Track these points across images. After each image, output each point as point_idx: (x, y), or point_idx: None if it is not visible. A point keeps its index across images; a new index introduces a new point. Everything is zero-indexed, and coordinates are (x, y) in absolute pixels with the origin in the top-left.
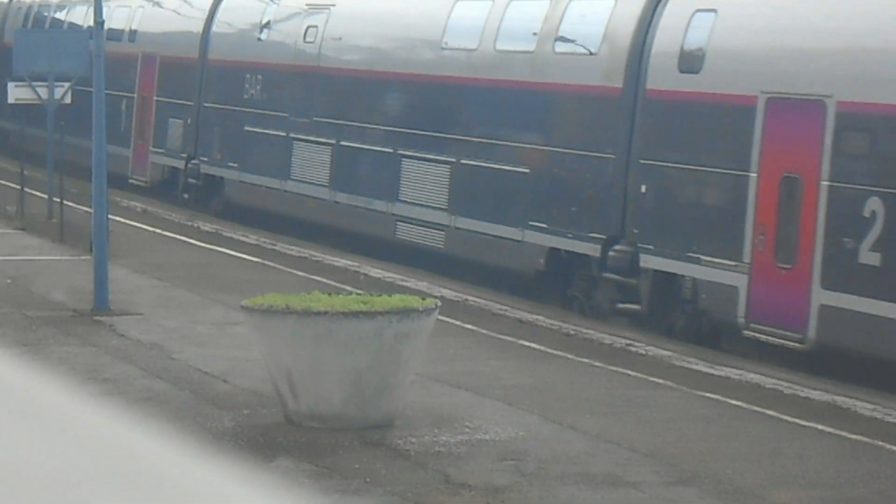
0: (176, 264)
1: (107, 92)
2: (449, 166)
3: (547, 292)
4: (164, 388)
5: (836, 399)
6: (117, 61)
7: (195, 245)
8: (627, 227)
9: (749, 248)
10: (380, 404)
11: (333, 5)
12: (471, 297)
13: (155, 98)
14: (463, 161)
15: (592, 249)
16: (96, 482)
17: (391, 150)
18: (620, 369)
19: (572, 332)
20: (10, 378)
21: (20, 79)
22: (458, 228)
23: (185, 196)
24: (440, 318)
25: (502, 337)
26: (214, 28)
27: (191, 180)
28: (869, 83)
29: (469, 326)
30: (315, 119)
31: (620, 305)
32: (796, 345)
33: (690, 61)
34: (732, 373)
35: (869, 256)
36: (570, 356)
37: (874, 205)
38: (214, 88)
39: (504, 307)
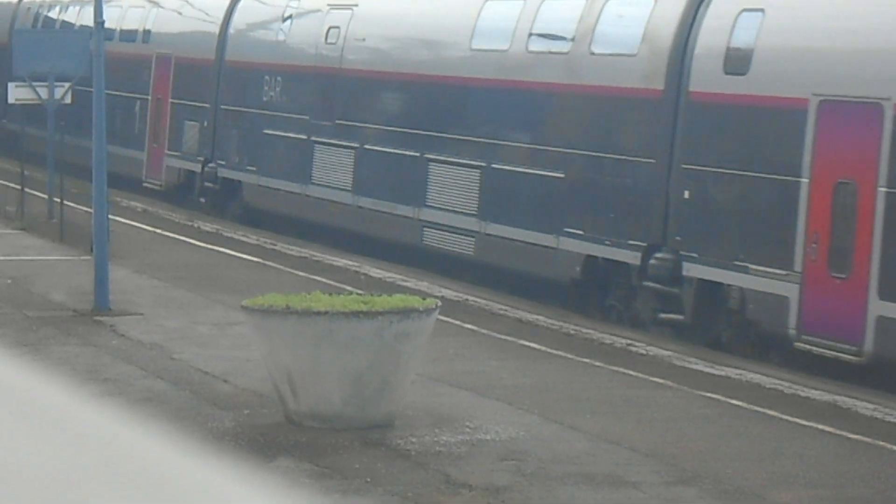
0: (176, 264)
1: (120, 94)
2: (479, 171)
3: (583, 301)
4: (164, 388)
5: (836, 399)
6: (131, 62)
7: (195, 245)
8: (669, 234)
9: (800, 256)
10: (380, 404)
11: (356, 5)
12: (471, 297)
13: (170, 100)
14: (494, 165)
15: (632, 257)
16: (97, 482)
17: (418, 154)
18: (621, 369)
19: (573, 332)
20: (10, 378)
21: (21, 79)
22: (488, 235)
23: (202, 200)
24: (440, 317)
25: (503, 337)
26: (232, 29)
27: (207, 184)
28: None
29: (469, 326)
30: (338, 122)
31: (662, 315)
32: (852, 358)
33: (737, 62)
34: (733, 373)
35: None
36: (570, 356)
37: None
38: (232, 90)
39: (504, 307)
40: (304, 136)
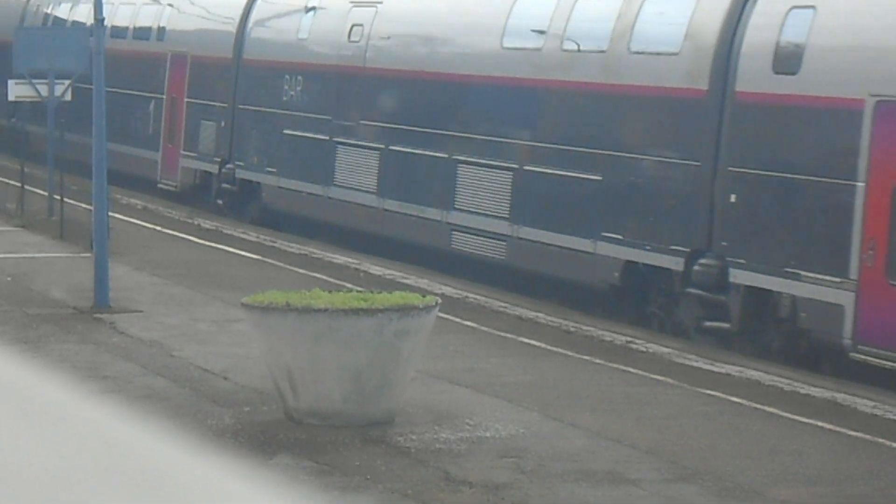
0: (176, 261)
1: (134, 93)
2: (511, 173)
3: (622, 308)
4: (164, 385)
5: (836, 396)
6: (145, 61)
7: (195, 242)
8: (715, 239)
9: (856, 263)
10: (380, 401)
11: (380, 2)
12: (471, 294)
13: (185, 99)
14: (527, 167)
15: (675, 263)
16: (96, 479)
17: (446, 156)
18: (621, 366)
19: (573, 330)
20: (10, 375)
21: (21, 76)
22: (520, 239)
23: (219, 202)
24: (440, 315)
25: (503, 334)
26: (250, 27)
27: (225, 185)
28: None
29: (469, 323)
30: (361, 122)
31: (707, 324)
32: None
33: (786, 62)
34: (733, 370)
35: None
36: (570, 353)
37: None
38: (250, 90)
39: (504, 304)
40: (326, 137)
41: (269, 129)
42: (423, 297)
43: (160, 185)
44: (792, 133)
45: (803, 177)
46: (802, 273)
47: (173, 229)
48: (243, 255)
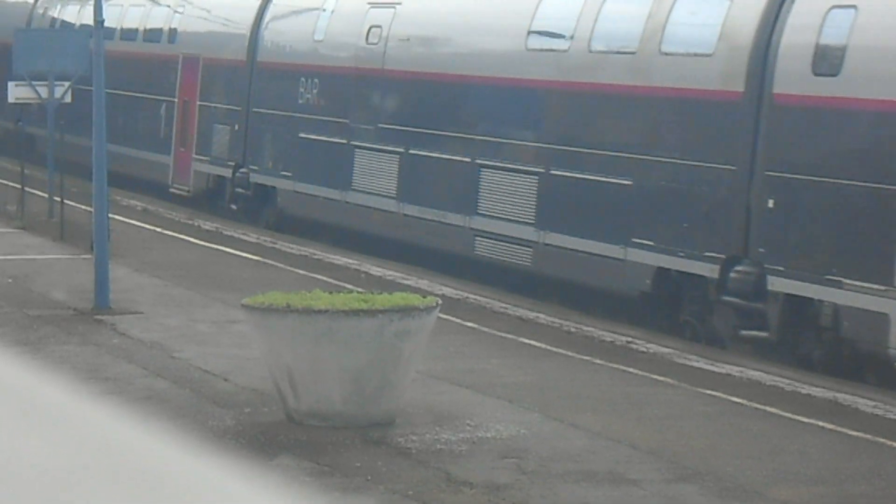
0: (176, 263)
1: (144, 96)
2: (536, 177)
3: (653, 316)
4: (164, 386)
5: (837, 396)
6: (155, 63)
7: (196, 244)
8: (751, 245)
9: None
10: (381, 402)
11: (399, 3)
12: (471, 295)
13: (198, 102)
14: (553, 171)
15: (710, 270)
16: (97, 481)
17: (468, 160)
18: (621, 367)
19: (573, 330)
20: (10, 377)
21: (21, 78)
22: (547, 245)
23: (233, 207)
24: (441, 315)
25: (503, 335)
26: (264, 28)
27: (239, 190)
28: None
29: (470, 324)
30: (380, 126)
31: (745, 332)
32: None
33: (827, 63)
34: (733, 370)
35: None
36: (571, 354)
37: None
38: (265, 92)
39: (505, 305)
40: (343, 141)
41: (285, 133)
42: (424, 297)
43: (172, 190)
44: (832, 136)
45: (845, 181)
46: (845, 281)
47: (173, 231)
48: (243, 257)
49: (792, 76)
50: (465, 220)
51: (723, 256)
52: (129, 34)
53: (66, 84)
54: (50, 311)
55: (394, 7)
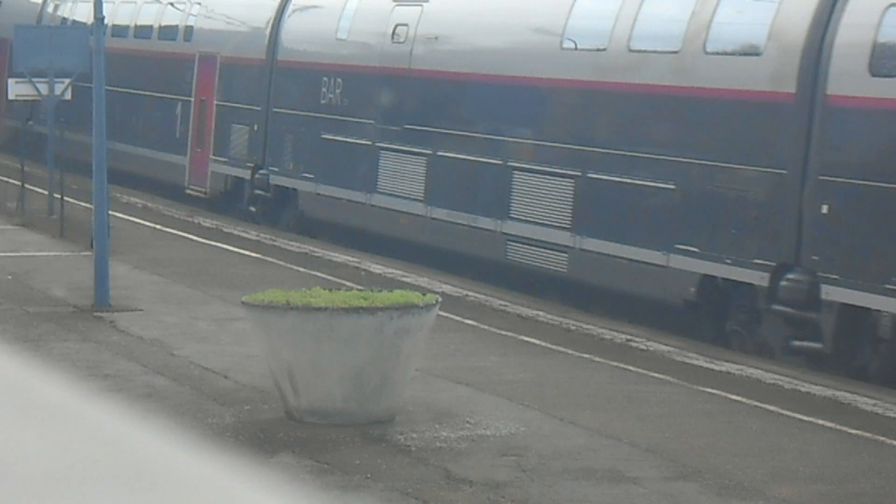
0: (176, 260)
1: (160, 95)
2: (573, 180)
3: (699, 325)
4: (164, 384)
5: (836, 394)
6: (171, 62)
7: (196, 241)
8: (804, 252)
9: None
10: (380, 400)
11: (427, 1)
12: (471, 293)
13: (215, 102)
14: (590, 174)
15: (759, 278)
16: (97, 478)
17: (500, 162)
18: (621, 365)
19: (573, 328)
20: (10, 374)
21: (20, 75)
22: (584, 250)
23: (252, 209)
24: (441, 313)
25: (503, 332)
26: (285, 26)
27: (258, 192)
28: None
29: (470, 322)
30: (406, 127)
31: (797, 343)
32: None
33: (885, 64)
34: (733, 368)
35: None
36: (570, 352)
37: None
38: (286, 92)
39: (504, 303)
40: (368, 142)
41: (306, 134)
42: (424, 295)
43: (188, 192)
44: (891, 139)
45: None
46: None
47: (173, 228)
48: (243, 254)
49: (847, 77)
50: (496, 225)
51: (773, 264)
52: (143, 32)
53: (67, 81)
54: (50, 308)
55: (421, 5)
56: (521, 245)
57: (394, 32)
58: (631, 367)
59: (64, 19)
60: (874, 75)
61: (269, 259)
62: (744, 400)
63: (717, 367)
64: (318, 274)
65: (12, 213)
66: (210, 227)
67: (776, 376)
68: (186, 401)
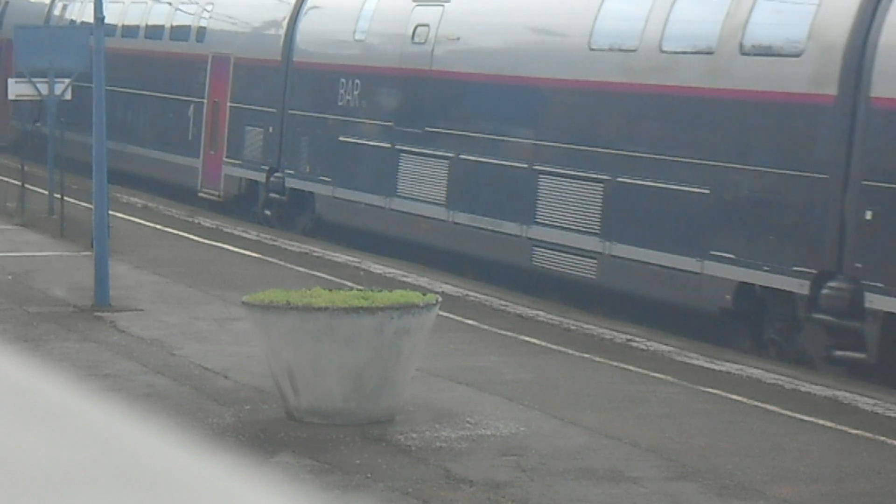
0: (177, 260)
1: (171, 97)
2: (602, 184)
3: (734, 334)
4: (164, 384)
5: (837, 394)
6: (183, 63)
7: (196, 241)
8: (846, 260)
9: None
10: (380, 400)
11: (448, 1)
12: (471, 293)
13: (228, 104)
14: (620, 179)
15: (799, 286)
16: (97, 478)
17: (525, 166)
18: (621, 364)
19: (573, 328)
20: (10, 374)
21: (21, 75)
22: (613, 256)
23: (267, 213)
24: (441, 313)
25: (503, 332)
26: (301, 26)
27: (273, 195)
28: None
29: (470, 322)
30: (427, 129)
31: (839, 353)
32: None
33: None
34: (733, 368)
35: None
36: (570, 351)
37: None
38: (302, 94)
39: (505, 303)
40: (387, 145)
41: (323, 136)
42: (424, 295)
43: (201, 195)
44: None
45: None
46: None
47: (174, 228)
48: (244, 254)
49: (892, 78)
50: (521, 230)
51: (814, 271)
52: (154, 32)
53: (67, 81)
54: (50, 307)
55: (442, 5)
56: (547, 250)
57: (414, 33)
58: (631, 367)
59: (72, 21)
60: None
61: (270, 259)
62: (744, 400)
63: (717, 367)
64: (319, 274)
65: (13, 213)
66: (210, 227)
67: (776, 376)
68: (187, 401)
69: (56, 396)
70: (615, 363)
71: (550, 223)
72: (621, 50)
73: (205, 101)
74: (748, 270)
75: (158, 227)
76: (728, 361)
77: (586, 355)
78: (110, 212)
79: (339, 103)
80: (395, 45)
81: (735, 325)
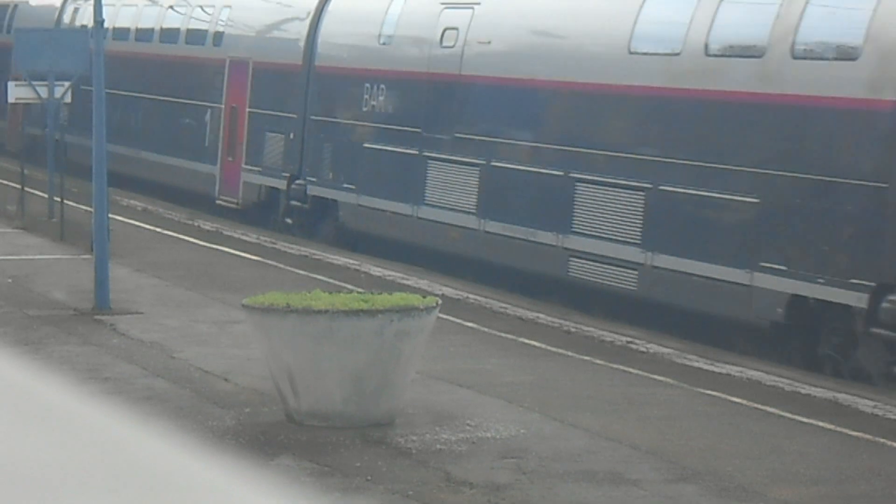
0: (176, 263)
1: (187, 102)
2: (643, 193)
3: (787, 348)
4: (164, 386)
5: (837, 396)
6: (199, 67)
7: (196, 244)
8: None
9: None
10: (380, 402)
11: (478, 4)
12: (471, 295)
13: (247, 109)
14: (662, 187)
15: (856, 299)
16: (97, 481)
17: (561, 173)
18: (621, 367)
19: (573, 330)
20: (10, 377)
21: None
22: (655, 267)
23: (288, 221)
24: (441, 315)
25: (503, 335)
26: (323, 30)
27: (294, 203)
28: None
29: (470, 324)
30: (457, 135)
31: None
32: None
33: None
34: (733, 370)
35: None
36: (571, 354)
37: None
38: (324, 99)
39: (505, 305)
40: (415, 151)
41: (347, 142)
42: (424, 297)
43: (219, 202)
44: None
45: None
46: None
47: (173, 231)
48: (244, 257)
49: None
50: (557, 239)
51: (873, 284)
52: (169, 36)
53: (67, 84)
54: (50, 311)
55: (472, 7)
56: (584, 261)
57: (442, 36)
58: (632, 370)
59: (83, 25)
60: None
61: (269, 262)
62: (744, 402)
63: (717, 370)
64: (318, 276)
65: (12, 217)
66: (210, 230)
67: (776, 378)
68: (187, 403)
69: (56, 399)
70: (615, 365)
71: (588, 233)
72: (663, 54)
73: (222, 106)
74: (802, 283)
75: (158, 230)
76: (728, 364)
77: (586, 358)
78: (110, 215)
79: (364, 109)
80: (422, 49)
81: (787, 339)
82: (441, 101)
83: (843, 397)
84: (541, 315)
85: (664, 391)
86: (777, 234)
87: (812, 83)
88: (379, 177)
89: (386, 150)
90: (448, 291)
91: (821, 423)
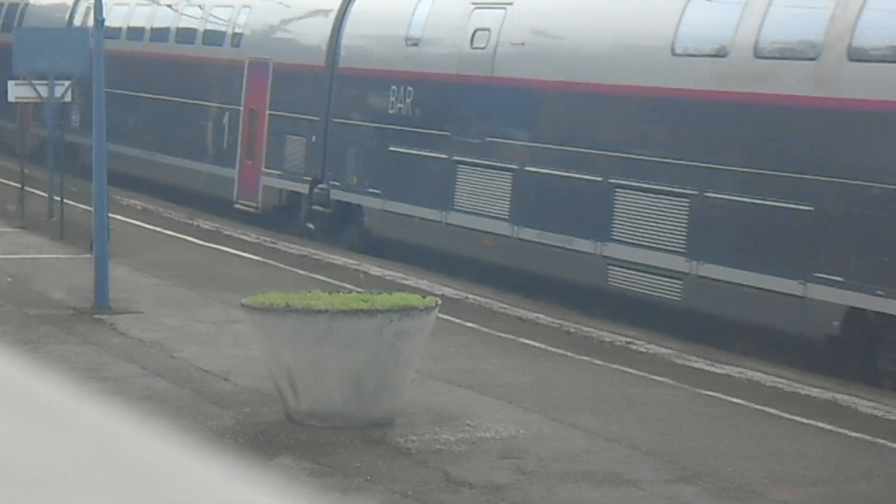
0: (176, 262)
1: (205, 104)
2: (688, 199)
3: (843, 362)
4: (164, 386)
5: (836, 397)
6: (217, 69)
7: (196, 243)
8: None
9: None
10: (380, 402)
11: (510, 4)
12: (471, 295)
13: (267, 112)
14: (709, 194)
15: None
16: (96, 480)
17: (600, 179)
18: (621, 367)
19: (573, 331)
20: (10, 376)
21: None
22: (701, 277)
23: (310, 226)
24: (441, 315)
25: (503, 335)
26: (347, 31)
27: (316, 207)
28: None
29: (470, 324)
30: (489, 139)
31: None
32: None
33: None
34: (733, 371)
35: None
36: (570, 354)
37: None
38: (348, 102)
39: (504, 305)
40: (444, 156)
41: (372, 146)
42: (424, 297)
43: (237, 206)
44: None
45: None
46: None
47: (173, 230)
48: (243, 256)
49: None
50: (595, 247)
51: None
52: (185, 36)
53: (67, 83)
54: (49, 310)
55: (504, 8)
56: (624, 270)
57: (473, 37)
58: (631, 370)
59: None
60: None
61: (269, 261)
62: (744, 403)
63: (717, 370)
64: (318, 276)
65: (12, 216)
66: (210, 229)
67: (776, 379)
68: (186, 403)
69: (56, 399)
70: (615, 366)
71: (628, 240)
72: (709, 55)
73: (241, 108)
74: (859, 295)
75: (158, 229)
76: (728, 364)
77: (586, 358)
78: (110, 214)
79: (390, 111)
80: (451, 51)
81: (844, 353)
82: (471, 104)
83: (842, 398)
84: (541, 315)
85: (664, 392)
86: (832, 244)
87: (871, 87)
88: (406, 181)
89: (413, 154)
90: (448, 291)
91: (820, 424)
